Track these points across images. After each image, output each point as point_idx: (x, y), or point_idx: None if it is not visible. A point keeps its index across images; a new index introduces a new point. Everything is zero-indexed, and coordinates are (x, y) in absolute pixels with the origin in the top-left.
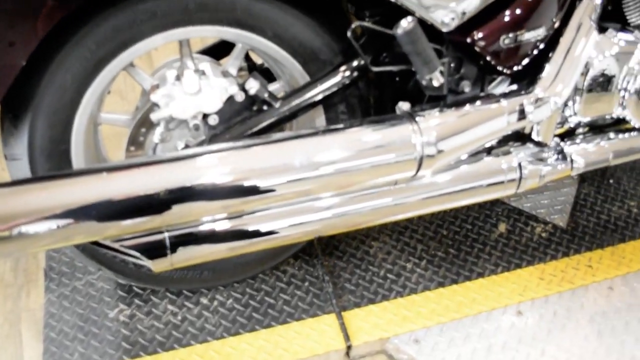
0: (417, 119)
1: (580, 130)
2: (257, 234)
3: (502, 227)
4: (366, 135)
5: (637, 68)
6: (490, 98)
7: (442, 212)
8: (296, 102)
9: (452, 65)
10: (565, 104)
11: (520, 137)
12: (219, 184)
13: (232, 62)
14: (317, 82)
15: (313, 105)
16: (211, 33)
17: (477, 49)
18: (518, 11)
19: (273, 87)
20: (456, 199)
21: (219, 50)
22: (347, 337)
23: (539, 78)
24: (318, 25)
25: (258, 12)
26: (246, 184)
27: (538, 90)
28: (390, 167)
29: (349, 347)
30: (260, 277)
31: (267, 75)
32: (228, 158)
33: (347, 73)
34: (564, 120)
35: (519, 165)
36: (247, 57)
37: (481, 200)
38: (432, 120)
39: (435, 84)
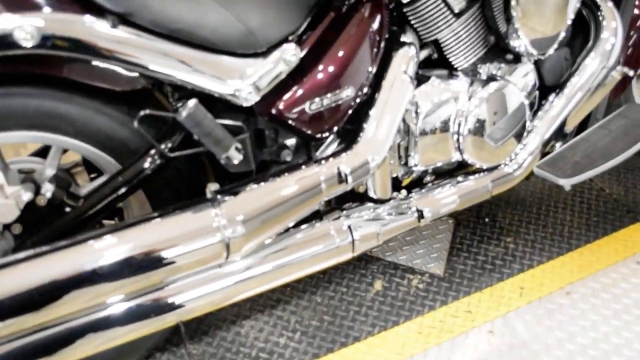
0: (221, 200)
1: (428, 178)
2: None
3: (378, 285)
4: (169, 224)
5: (465, 110)
6: (305, 166)
7: (316, 278)
8: (99, 198)
9: (266, 137)
10: (408, 155)
11: (359, 197)
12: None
13: (50, 163)
14: (118, 175)
15: (123, 197)
16: (10, 139)
17: (283, 118)
18: (319, 76)
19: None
20: (293, 270)
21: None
22: None
23: (357, 138)
24: (122, 115)
25: (52, 112)
26: (43, 294)
27: (354, 152)
28: (199, 254)
29: None
30: None
31: None
32: (22, 270)
33: (149, 160)
34: (409, 172)
35: (349, 228)
36: None
37: (320, 268)
38: (237, 199)
39: (235, 161)
